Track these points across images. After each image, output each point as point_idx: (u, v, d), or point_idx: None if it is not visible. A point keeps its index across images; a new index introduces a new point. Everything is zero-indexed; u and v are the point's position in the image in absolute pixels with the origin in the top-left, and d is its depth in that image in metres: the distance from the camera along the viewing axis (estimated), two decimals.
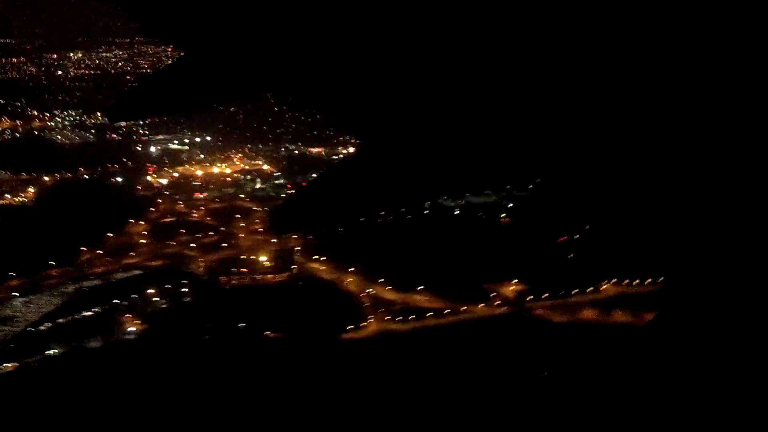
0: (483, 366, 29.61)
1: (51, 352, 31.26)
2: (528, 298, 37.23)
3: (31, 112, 65.61)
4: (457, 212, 47.37)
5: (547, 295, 37.22)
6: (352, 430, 27.11)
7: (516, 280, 38.46)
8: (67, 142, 58.50)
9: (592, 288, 37.75)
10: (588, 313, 36.39)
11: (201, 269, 38.95)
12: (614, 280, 37.02)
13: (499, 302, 37.12)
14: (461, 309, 35.88)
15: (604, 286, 38.52)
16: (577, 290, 37.27)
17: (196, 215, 45.74)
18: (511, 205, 48.68)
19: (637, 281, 35.77)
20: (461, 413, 25.96)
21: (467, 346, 32.43)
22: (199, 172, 52.98)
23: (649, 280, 31.82)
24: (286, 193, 50.39)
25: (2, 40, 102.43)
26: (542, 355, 29.37)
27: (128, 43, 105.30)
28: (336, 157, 58.23)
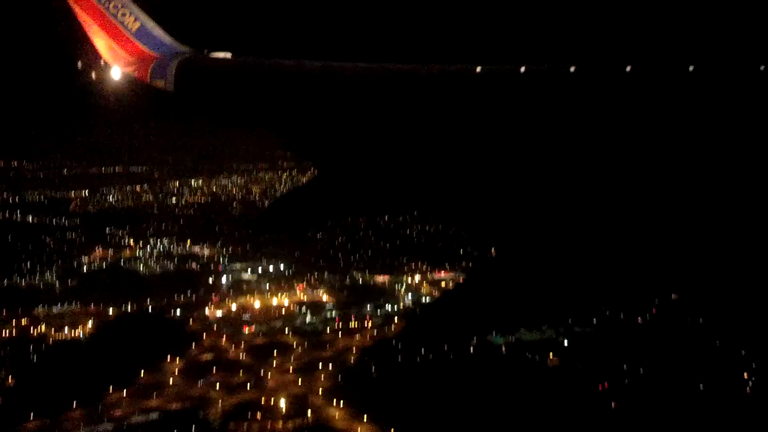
0: None
1: None
2: None
3: (127, 241, 69.09)
4: (504, 350, 43.88)
5: None
6: None
7: None
8: (147, 272, 60.65)
9: None
10: None
11: (216, 414, 37.86)
12: None
13: None
14: None
15: None
16: None
17: (235, 352, 45.15)
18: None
19: None
20: None
21: None
22: (257, 304, 52.82)
23: None
24: (334, 327, 49.05)
25: (134, 169, 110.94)
26: None
27: (249, 169, 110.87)
28: (398, 285, 56.54)
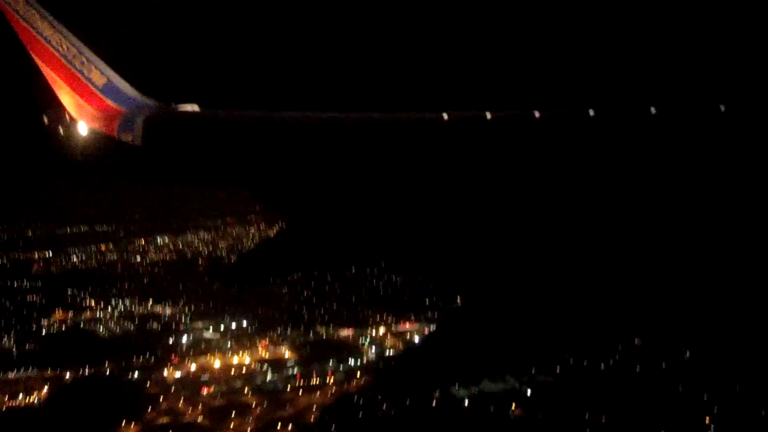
0: None
1: None
2: None
3: (88, 302, 68.03)
4: (467, 403, 43.43)
5: None
6: None
7: None
8: (107, 334, 59.66)
9: None
10: None
11: None
12: None
13: None
14: None
15: None
16: None
17: (192, 415, 44.24)
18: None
19: None
20: None
21: None
22: (217, 363, 51.99)
23: None
24: (296, 384, 48.36)
25: (100, 228, 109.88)
26: None
27: (217, 225, 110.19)
28: (362, 339, 56.03)
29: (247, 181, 12.93)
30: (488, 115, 10.16)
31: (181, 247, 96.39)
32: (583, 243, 8.43)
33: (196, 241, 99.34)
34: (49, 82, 14.86)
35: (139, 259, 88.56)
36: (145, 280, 76.97)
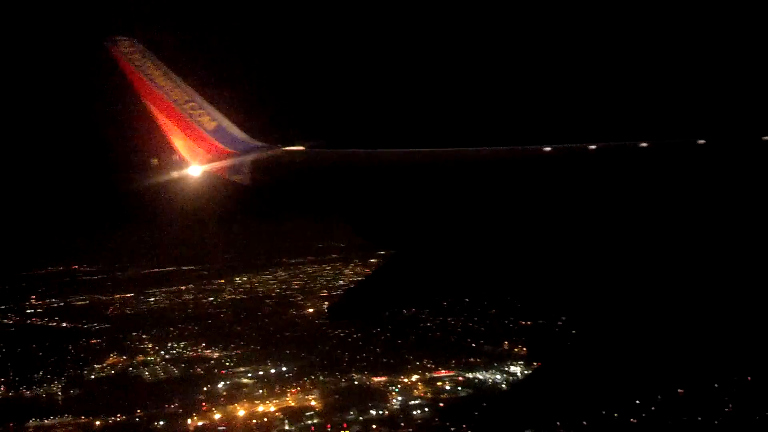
0: None
1: None
2: None
3: (145, 345, 68.79)
4: None
5: None
6: None
7: None
8: (151, 378, 59.65)
9: None
10: None
11: None
12: None
13: None
14: None
15: None
16: None
17: None
18: None
19: None
20: None
21: None
22: (242, 413, 50.54)
23: None
24: None
25: (186, 268, 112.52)
26: None
27: (297, 263, 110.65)
28: (394, 387, 53.10)
29: (352, 217, 13.55)
30: (592, 147, 10.50)
31: (255, 285, 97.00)
32: None
33: (272, 279, 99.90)
34: (162, 127, 15.48)
35: (211, 299, 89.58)
36: (209, 322, 77.26)
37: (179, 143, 15.58)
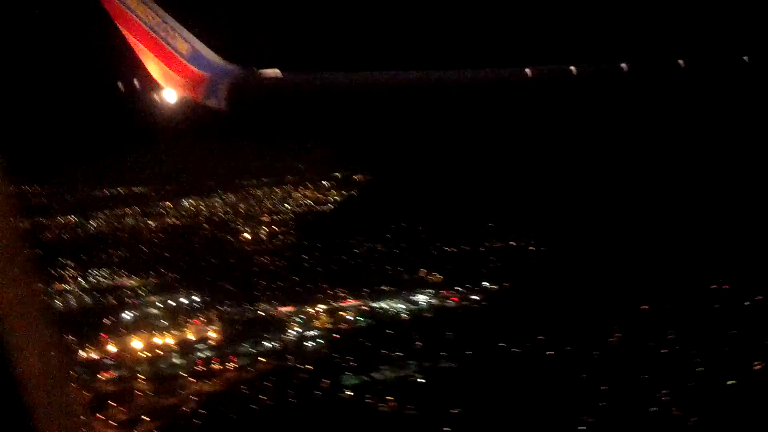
0: None
1: None
2: None
3: (67, 272, 68.08)
4: None
5: None
6: None
7: None
8: (62, 308, 59.08)
9: None
10: None
11: None
12: None
13: None
14: None
15: None
16: None
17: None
18: None
19: None
20: None
21: None
22: (136, 345, 50.08)
23: None
24: (193, 371, 45.64)
25: (137, 190, 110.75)
26: None
27: (249, 185, 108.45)
28: (297, 318, 52.41)
29: (331, 138, 13.86)
30: (573, 69, 9.99)
31: (201, 209, 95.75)
32: None
33: (219, 203, 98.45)
34: (136, 51, 15.41)
35: (151, 223, 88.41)
36: (142, 248, 76.27)
37: (152, 67, 15.45)
